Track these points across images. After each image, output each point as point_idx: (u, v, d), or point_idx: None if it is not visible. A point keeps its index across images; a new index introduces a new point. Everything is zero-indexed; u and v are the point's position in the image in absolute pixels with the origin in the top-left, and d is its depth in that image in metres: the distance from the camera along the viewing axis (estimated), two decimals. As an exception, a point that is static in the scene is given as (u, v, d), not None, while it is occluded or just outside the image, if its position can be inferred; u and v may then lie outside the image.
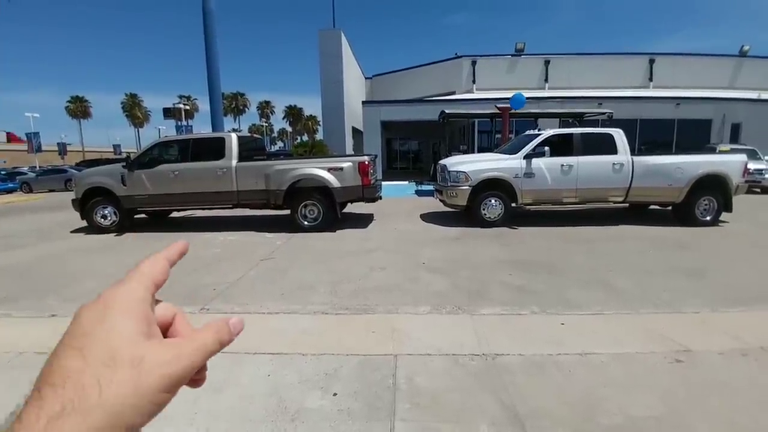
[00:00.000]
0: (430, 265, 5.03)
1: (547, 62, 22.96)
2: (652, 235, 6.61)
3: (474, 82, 22.87)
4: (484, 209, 7.34)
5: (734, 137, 17.23)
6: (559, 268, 4.88)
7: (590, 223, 7.61)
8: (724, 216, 7.43)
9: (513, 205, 7.44)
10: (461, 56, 23.60)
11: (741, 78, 22.59)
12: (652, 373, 2.61)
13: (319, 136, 43.40)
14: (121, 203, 7.41)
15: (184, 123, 27.50)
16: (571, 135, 7.58)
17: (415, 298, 3.97)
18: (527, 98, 17.00)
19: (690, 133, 17.33)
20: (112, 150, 50.48)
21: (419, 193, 12.78)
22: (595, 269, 4.85)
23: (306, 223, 7.19)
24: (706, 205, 7.33)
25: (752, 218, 8.03)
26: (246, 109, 68.97)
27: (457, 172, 7.42)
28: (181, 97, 57.55)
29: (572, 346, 2.94)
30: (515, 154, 7.49)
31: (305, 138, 60.49)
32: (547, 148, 7.30)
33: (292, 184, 7.05)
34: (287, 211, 7.35)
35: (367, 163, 7.01)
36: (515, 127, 13.99)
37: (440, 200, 8.03)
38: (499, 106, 12.39)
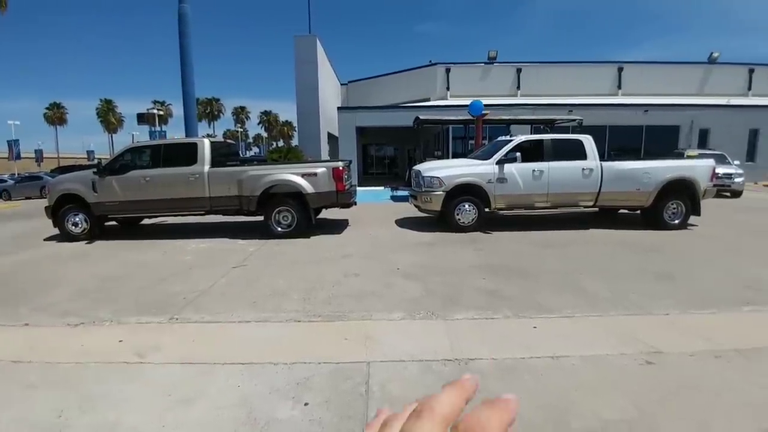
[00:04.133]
0: (404, 271, 5.02)
1: (519, 70, 23.53)
2: (622, 239, 6.81)
3: (448, 88, 23.20)
4: (458, 214, 7.41)
5: (702, 142, 17.94)
6: (531, 273, 4.96)
7: (562, 227, 7.80)
8: (693, 219, 7.66)
9: (486, 210, 7.53)
10: (435, 63, 23.92)
11: (710, 84, 23.45)
12: (623, 376, 2.65)
13: (295, 141, 43.10)
14: (92, 210, 7.25)
15: (158, 128, 26.94)
16: (541, 141, 7.76)
17: (389, 304, 3.94)
18: (500, 105, 17.42)
19: (658, 139, 17.99)
20: (86, 156, 49.28)
21: (395, 198, 12.81)
22: (566, 273, 4.95)
23: (279, 229, 7.08)
24: (674, 208, 7.56)
25: (721, 221, 8.32)
26: (221, 115, 68.05)
27: (431, 177, 7.47)
28: (155, 102, 56.66)
29: (544, 350, 2.97)
30: (488, 159, 7.61)
31: (281, 144, 60.02)
32: (518, 154, 7.43)
33: (266, 189, 6.95)
34: (261, 218, 7.24)
35: (341, 168, 6.98)
36: (488, 133, 14.25)
37: (415, 206, 8.06)
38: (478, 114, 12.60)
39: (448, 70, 23.48)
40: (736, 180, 12.47)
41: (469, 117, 12.68)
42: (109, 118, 61.37)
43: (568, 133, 11.29)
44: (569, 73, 23.35)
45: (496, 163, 7.45)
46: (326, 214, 8.41)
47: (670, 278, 4.73)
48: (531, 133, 12.48)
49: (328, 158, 21.68)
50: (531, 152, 7.59)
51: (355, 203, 7.80)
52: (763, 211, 9.98)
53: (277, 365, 2.79)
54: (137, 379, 2.71)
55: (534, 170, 7.42)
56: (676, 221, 7.55)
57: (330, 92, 25.39)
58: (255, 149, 70.03)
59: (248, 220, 8.00)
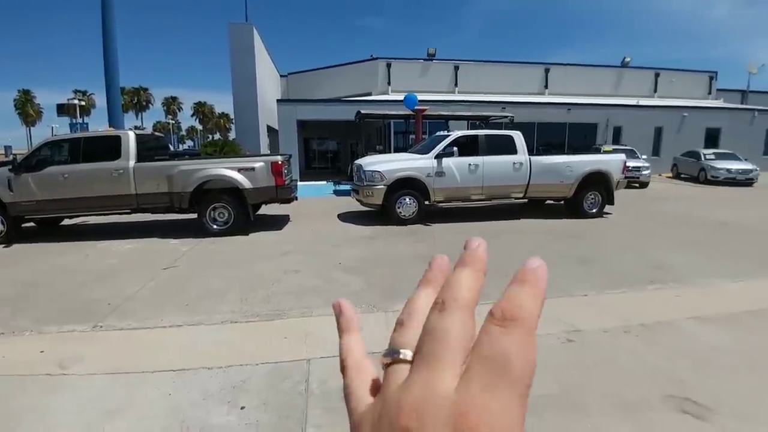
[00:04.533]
0: (346, 265, 5.03)
1: (456, 68, 24.24)
2: (548, 228, 7.34)
3: (389, 83, 23.32)
4: (399, 207, 7.54)
5: (616, 139, 19.73)
6: (468, 262, 5.18)
7: (496, 218, 8.23)
8: (607, 208, 8.47)
9: (426, 202, 7.74)
10: (377, 58, 23.92)
11: (623, 86, 25.61)
12: (547, 354, 2.87)
13: (232, 135, 41.33)
14: (8, 211, 6.57)
15: (80, 120, 24.71)
16: (476, 136, 8.12)
17: (330, 299, 3.89)
18: (439, 101, 17.89)
19: (579, 136, 19.54)
20: (3, 152, 43.69)
21: (337, 193, 12.71)
22: (499, 261, 5.19)
23: (215, 227, 6.77)
24: (592, 199, 8.30)
25: (632, 210, 9.23)
26: (150, 105, 63.33)
27: (373, 171, 7.53)
28: (76, 92, 52.08)
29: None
30: (427, 154, 7.81)
31: (218, 137, 57.20)
32: (455, 149, 7.71)
33: (199, 185, 6.61)
34: (194, 215, 6.87)
35: (280, 162, 6.79)
36: (428, 128, 14.55)
37: (357, 200, 8.08)
38: (413, 108, 12.80)
39: (389, 65, 23.60)
40: (644, 172, 13.88)
41: (410, 112, 12.87)
42: (27, 109, 56.25)
43: (501, 129, 11.87)
44: (502, 72, 24.47)
45: (435, 158, 7.67)
46: (266, 209, 8.15)
47: (588, 262, 5.20)
48: (467, 129, 12.95)
49: (268, 152, 21.01)
50: (467, 147, 7.91)
51: (296, 198, 7.64)
52: (666, 199, 11.24)
53: (212, 370, 2.68)
54: (61, 391, 2.54)
55: (470, 164, 7.73)
56: (594, 210, 8.29)
57: (269, 83, 24.52)
58: (189, 142, 66.10)
59: (180, 218, 7.55)
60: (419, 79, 23.50)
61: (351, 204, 8.98)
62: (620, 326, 3.34)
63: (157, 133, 8.78)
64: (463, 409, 0.20)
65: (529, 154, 8.03)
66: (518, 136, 8.09)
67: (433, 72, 24.09)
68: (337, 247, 5.94)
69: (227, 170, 6.69)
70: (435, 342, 0.23)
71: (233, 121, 24.24)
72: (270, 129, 23.08)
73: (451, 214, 8.62)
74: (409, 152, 8.92)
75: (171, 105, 66.82)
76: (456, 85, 24.04)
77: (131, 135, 6.84)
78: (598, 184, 8.25)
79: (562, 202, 8.63)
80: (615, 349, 3.00)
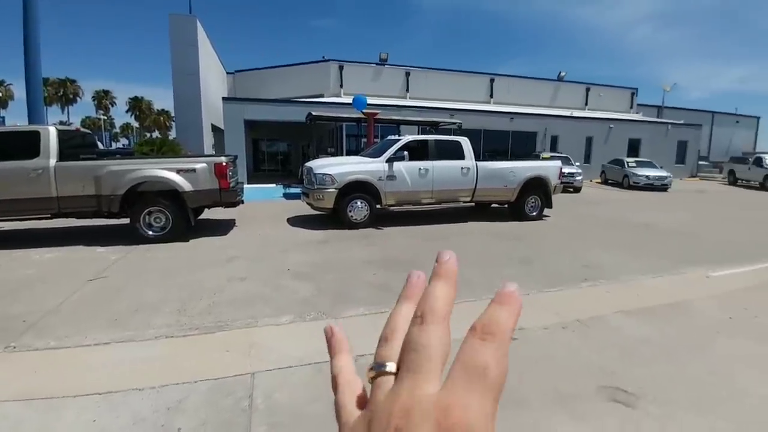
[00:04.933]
0: (295, 271, 4.88)
1: (408, 74, 24.62)
2: (493, 230, 7.63)
3: (342, 86, 23.16)
4: (350, 211, 7.48)
5: (554, 147, 21.20)
6: (418, 264, 5.16)
7: (445, 221, 8.42)
8: (546, 211, 9.01)
9: (378, 206, 7.75)
10: (329, 60, 23.70)
11: (559, 98, 27.49)
12: (492, 354, 2.95)
13: (173, 133, 39.09)
14: None
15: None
16: (426, 141, 8.28)
17: (278, 307, 3.79)
18: (391, 105, 18.06)
19: (521, 143, 20.70)
20: None
21: (287, 196, 12.40)
22: (447, 264, 5.34)
23: (151, 232, 6.30)
24: (533, 202, 8.79)
25: (567, 213, 9.87)
26: (78, 99, 58.01)
27: (323, 174, 7.41)
28: None
29: (426, 339, 3.16)
30: (379, 157, 7.83)
31: (156, 135, 53.79)
32: (406, 153, 7.80)
33: (132, 188, 6.11)
34: (127, 220, 6.37)
35: (224, 164, 6.48)
36: (380, 132, 14.62)
37: (307, 203, 7.91)
38: (365, 111, 12.80)
39: (341, 68, 23.45)
40: (577, 178, 15.07)
41: (362, 115, 12.85)
42: (-68, 101, 48.55)
43: (450, 134, 12.20)
44: (451, 80, 25.23)
45: (386, 162, 7.71)
46: (210, 214, 7.75)
47: (529, 262, 5.46)
48: (418, 134, 13.18)
49: (213, 152, 20.07)
50: (417, 151, 8.03)
51: (242, 202, 7.32)
52: (597, 203, 12.15)
53: (143, 390, 2.46)
54: (-35, 423, 2.22)
55: (420, 169, 7.85)
56: (534, 213, 8.79)
57: (214, 80, 23.45)
58: (124, 140, 61.64)
59: (110, 223, 6.96)
60: (372, 83, 23.60)
61: (301, 207, 8.78)
62: (558, 323, 3.52)
63: (83, 129, 8.06)
64: (446, 406, 0.23)
65: (475, 160, 8.31)
66: (466, 142, 8.35)
67: (385, 77, 24.30)
68: (285, 253, 5.77)
69: (164, 171, 6.25)
70: (417, 355, 0.26)
71: (174, 118, 22.89)
72: (215, 128, 22.06)
73: (403, 218, 8.70)
74: (361, 155, 8.90)
75: (103, 99, 61.67)
76: (407, 90, 24.40)
77: (52, 130, 6.19)
78: (537, 188, 8.75)
79: (506, 205, 9.03)
80: (554, 344, 3.15)
